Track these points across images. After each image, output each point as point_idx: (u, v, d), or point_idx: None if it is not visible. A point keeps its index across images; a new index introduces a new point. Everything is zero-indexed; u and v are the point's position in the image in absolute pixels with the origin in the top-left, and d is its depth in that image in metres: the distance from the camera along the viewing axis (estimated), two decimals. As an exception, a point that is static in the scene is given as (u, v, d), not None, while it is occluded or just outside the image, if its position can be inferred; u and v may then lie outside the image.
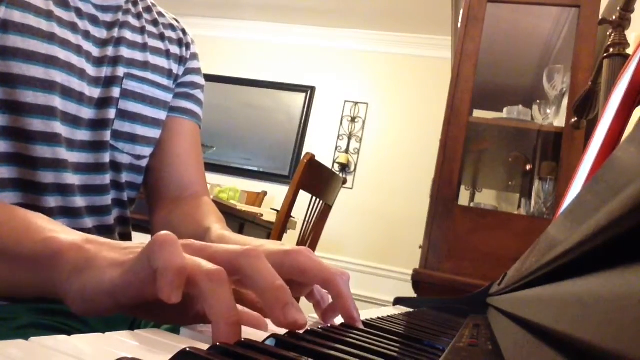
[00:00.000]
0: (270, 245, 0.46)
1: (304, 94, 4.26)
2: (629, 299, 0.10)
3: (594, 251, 0.15)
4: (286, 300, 0.32)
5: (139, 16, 0.72)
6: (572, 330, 0.14)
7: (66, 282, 0.35)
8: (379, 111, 4.09)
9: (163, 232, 0.32)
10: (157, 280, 0.30)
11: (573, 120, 1.10)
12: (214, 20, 4.54)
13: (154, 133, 0.72)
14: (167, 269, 0.30)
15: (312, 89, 4.25)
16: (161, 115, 0.73)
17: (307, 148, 4.09)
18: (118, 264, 0.34)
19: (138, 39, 0.70)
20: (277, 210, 2.09)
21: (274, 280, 0.33)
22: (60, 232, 0.39)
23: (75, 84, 0.60)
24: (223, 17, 4.50)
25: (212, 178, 3.67)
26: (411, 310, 0.91)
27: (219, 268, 0.31)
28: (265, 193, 3.69)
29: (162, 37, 0.75)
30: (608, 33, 0.96)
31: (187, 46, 0.79)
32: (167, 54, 0.75)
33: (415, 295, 1.40)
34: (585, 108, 1.04)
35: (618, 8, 0.94)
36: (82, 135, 0.63)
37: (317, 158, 1.86)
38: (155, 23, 0.75)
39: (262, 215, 2.52)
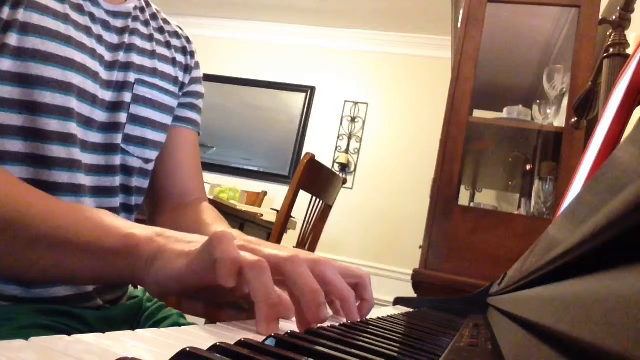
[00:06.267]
0: (299, 253, 0.53)
1: (304, 94, 4.26)
2: (629, 299, 0.10)
3: (594, 251, 0.15)
4: (321, 302, 0.39)
5: (146, 23, 0.73)
6: (572, 330, 0.14)
7: (143, 270, 0.42)
8: (379, 111, 4.09)
9: (220, 230, 0.40)
10: (217, 268, 0.37)
11: (573, 120, 1.10)
12: (214, 20, 4.54)
13: (161, 137, 0.73)
14: (224, 259, 0.37)
15: (312, 89, 4.25)
16: (168, 120, 0.74)
17: (307, 148, 4.09)
18: (184, 254, 0.41)
19: (147, 46, 0.72)
20: (277, 210, 2.09)
21: (313, 284, 0.39)
22: (135, 227, 0.46)
23: (90, 86, 0.61)
24: (223, 17, 4.50)
25: (212, 178, 3.67)
26: (411, 310, 0.91)
27: (261, 259, 0.38)
28: (265, 193, 3.69)
29: (168, 45, 0.76)
30: (608, 33, 0.96)
31: (192, 55, 0.80)
32: (173, 62, 0.76)
33: (415, 295, 1.40)
34: (585, 108, 1.04)
35: (618, 8, 0.94)
36: (94, 137, 0.64)
37: (317, 158, 1.86)
38: (161, 31, 0.76)
39: (262, 215, 2.51)
